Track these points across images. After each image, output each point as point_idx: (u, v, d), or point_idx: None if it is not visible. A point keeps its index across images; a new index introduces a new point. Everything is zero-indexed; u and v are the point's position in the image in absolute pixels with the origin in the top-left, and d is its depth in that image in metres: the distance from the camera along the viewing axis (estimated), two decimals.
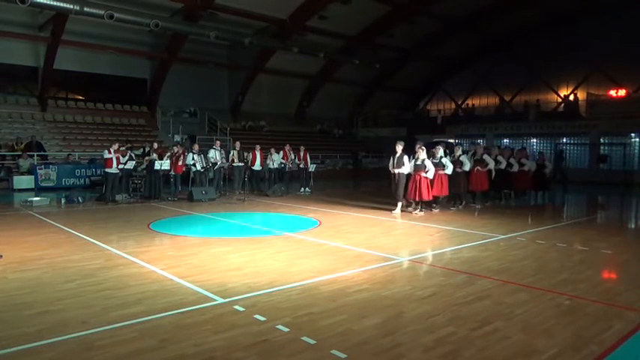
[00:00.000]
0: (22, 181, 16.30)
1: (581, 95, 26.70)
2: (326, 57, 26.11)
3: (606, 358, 3.72)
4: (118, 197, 13.44)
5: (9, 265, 6.18)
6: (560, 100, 28.15)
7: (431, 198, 11.33)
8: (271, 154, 16.85)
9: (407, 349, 3.80)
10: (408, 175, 11.42)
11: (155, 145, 14.94)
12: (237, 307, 4.69)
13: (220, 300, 4.87)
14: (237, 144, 16.49)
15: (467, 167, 12.39)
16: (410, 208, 11.63)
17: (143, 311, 4.52)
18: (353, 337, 4.00)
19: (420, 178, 11.03)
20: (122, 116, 23.73)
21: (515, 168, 14.03)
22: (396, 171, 11.28)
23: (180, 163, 14.30)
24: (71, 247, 7.31)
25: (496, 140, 27.47)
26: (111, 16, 17.84)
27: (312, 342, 3.88)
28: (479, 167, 12.83)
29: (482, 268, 6.31)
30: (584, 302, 5.01)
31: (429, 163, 11.21)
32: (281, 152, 17.24)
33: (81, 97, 23.93)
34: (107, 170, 13.13)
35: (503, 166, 13.48)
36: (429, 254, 7.23)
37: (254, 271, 6.04)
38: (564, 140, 25.42)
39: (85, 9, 17.44)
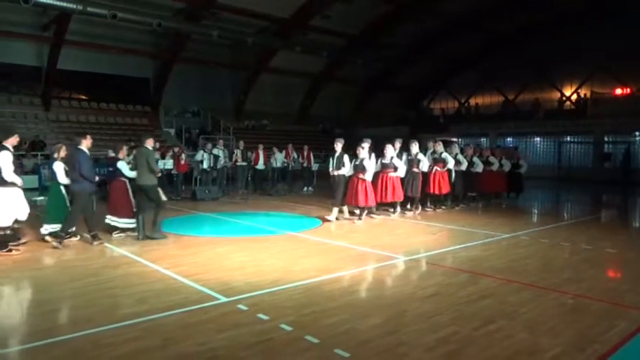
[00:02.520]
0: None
1: (585, 94, 26.61)
2: (328, 56, 26.10)
3: (610, 357, 3.71)
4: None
5: (15, 264, 6.22)
6: (564, 98, 28.04)
7: (370, 204, 9.99)
8: (274, 154, 16.86)
9: (410, 347, 3.81)
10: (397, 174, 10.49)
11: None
12: (240, 306, 4.70)
13: (224, 299, 4.88)
14: (241, 143, 16.52)
15: (425, 167, 11.11)
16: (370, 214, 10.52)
17: (148, 310, 4.53)
18: (356, 336, 4.00)
19: (358, 181, 9.69)
20: (125, 116, 23.79)
21: (479, 168, 12.62)
22: (335, 172, 9.98)
23: (182, 162, 14.33)
24: (76, 246, 7.34)
25: (500, 139, 27.49)
26: (114, 16, 17.88)
27: (316, 341, 3.89)
28: (437, 167, 11.36)
29: (485, 267, 6.30)
30: (588, 301, 5.00)
31: (397, 161, 10.42)
32: (284, 151, 17.25)
33: (84, 97, 24.00)
34: (111, 169, 13.13)
35: (464, 166, 12.05)
36: (431, 253, 7.22)
37: (257, 270, 6.06)
38: (568, 139, 25.35)
39: (88, 9, 17.48)
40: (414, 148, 10.96)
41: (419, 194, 11.04)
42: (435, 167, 11.32)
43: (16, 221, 6.88)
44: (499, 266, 6.39)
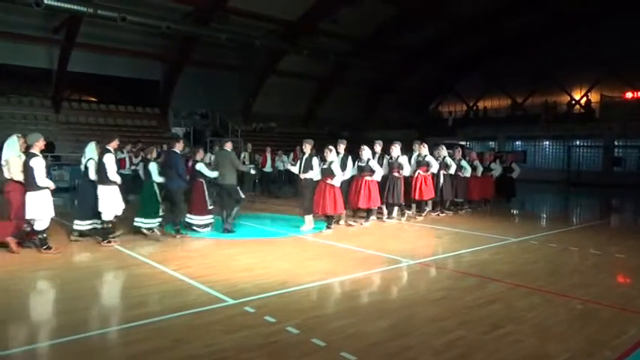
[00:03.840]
0: None
1: (595, 97, 26.42)
2: (336, 59, 26.13)
3: None
4: (131, 198, 13.56)
5: (26, 264, 6.27)
6: (573, 102, 27.85)
7: (339, 212, 9.13)
8: (280, 156, 16.90)
9: (417, 352, 3.80)
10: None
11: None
12: (247, 308, 4.71)
13: (231, 301, 4.90)
14: (249, 146, 16.58)
15: (407, 172, 10.31)
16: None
17: (156, 311, 4.56)
18: (363, 340, 4.00)
19: (326, 187, 8.79)
20: (134, 118, 23.96)
21: (467, 173, 11.79)
22: (302, 176, 9.14)
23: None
24: (85, 248, 7.39)
25: (508, 142, 27.36)
26: (123, 19, 18.01)
27: (323, 344, 3.89)
28: (421, 171, 10.63)
29: (493, 271, 6.27)
30: (597, 306, 4.96)
31: (374, 164, 9.62)
32: (291, 154, 17.27)
33: (94, 99, 24.22)
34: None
35: (452, 170, 11.28)
36: (439, 257, 7.20)
37: (264, 272, 6.07)
38: (577, 142, 25.17)
39: (99, 12, 17.62)
40: (395, 150, 10.14)
41: (401, 200, 10.24)
42: (419, 171, 10.62)
43: (115, 216, 7.61)
44: (507, 270, 6.35)
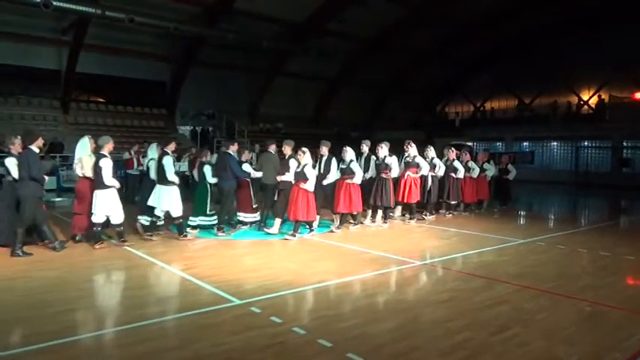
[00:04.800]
0: (46, 182, 16.64)
1: (604, 98, 26.19)
2: (343, 60, 26.10)
3: None
4: (137, 198, 13.61)
5: (34, 264, 6.32)
6: (582, 102, 27.65)
7: (311, 218, 8.58)
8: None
9: (424, 353, 3.78)
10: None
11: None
12: (253, 308, 4.71)
13: (237, 301, 4.90)
14: (257, 146, 16.59)
15: (395, 173, 9.83)
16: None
17: (163, 311, 4.58)
18: (369, 341, 3.99)
19: (299, 191, 8.36)
20: (142, 118, 24.09)
21: (460, 174, 11.29)
22: (279, 178, 8.79)
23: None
24: (92, 247, 7.42)
25: (516, 143, 27.21)
26: (131, 20, 18.12)
27: (329, 345, 3.88)
28: (410, 172, 10.15)
29: (500, 273, 6.23)
30: (606, 309, 4.91)
31: (355, 166, 9.07)
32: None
33: (102, 100, 24.36)
34: (127, 171, 13.32)
35: (441, 172, 10.86)
36: (446, 258, 7.17)
37: (270, 272, 6.08)
38: (585, 143, 24.99)
39: (107, 13, 17.75)
40: (383, 150, 9.64)
41: (390, 203, 9.71)
42: (408, 172, 10.14)
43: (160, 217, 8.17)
44: (515, 272, 6.31)
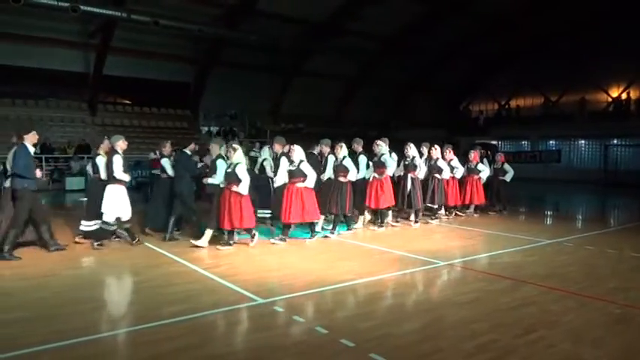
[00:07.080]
0: (74, 182, 17.14)
1: (634, 94, 25.43)
2: (364, 59, 26.02)
3: None
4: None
5: (62, 262, 6.50)
6: (610, 99, 26.91)
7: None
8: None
9: (447, 354, 3.75)
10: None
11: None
12: (276, 307, 4.75)
13: (260, 300, 4.94)
14: (257, 144, 16.68)
15: (353, 176, 8.82)
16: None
17: (187, 309, 4.65)
18: (392, 341, 3.97)
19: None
20: (166, 119, 24.50)
21: (446, 175, 10.34)
22: (206, 181, 8.01)
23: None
24: (119, 246, 7.58)
25: (542, 142, 26.65)
26: (156, 23, 18.44)
27: (351, 344, 3.88)
28: (375, 174, 9.28)
29: (527, 274, 6.12)
30: (636, 311, 4.78)
31: (305, 167, 7.94)
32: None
33: (128, 102, 24.87)
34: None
35: (422, 174, 9.90)
36: (470, 258, 7.08)
37: (293, 272, 6.11)
38: (615, 141, 24.31)
39: (132, 16, 18.13)
40: (341, 150, 8.67)
41: (346, 210, 8.69)
42: (374, 174, 9.21)
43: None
44: (541, 273, 6.19)
